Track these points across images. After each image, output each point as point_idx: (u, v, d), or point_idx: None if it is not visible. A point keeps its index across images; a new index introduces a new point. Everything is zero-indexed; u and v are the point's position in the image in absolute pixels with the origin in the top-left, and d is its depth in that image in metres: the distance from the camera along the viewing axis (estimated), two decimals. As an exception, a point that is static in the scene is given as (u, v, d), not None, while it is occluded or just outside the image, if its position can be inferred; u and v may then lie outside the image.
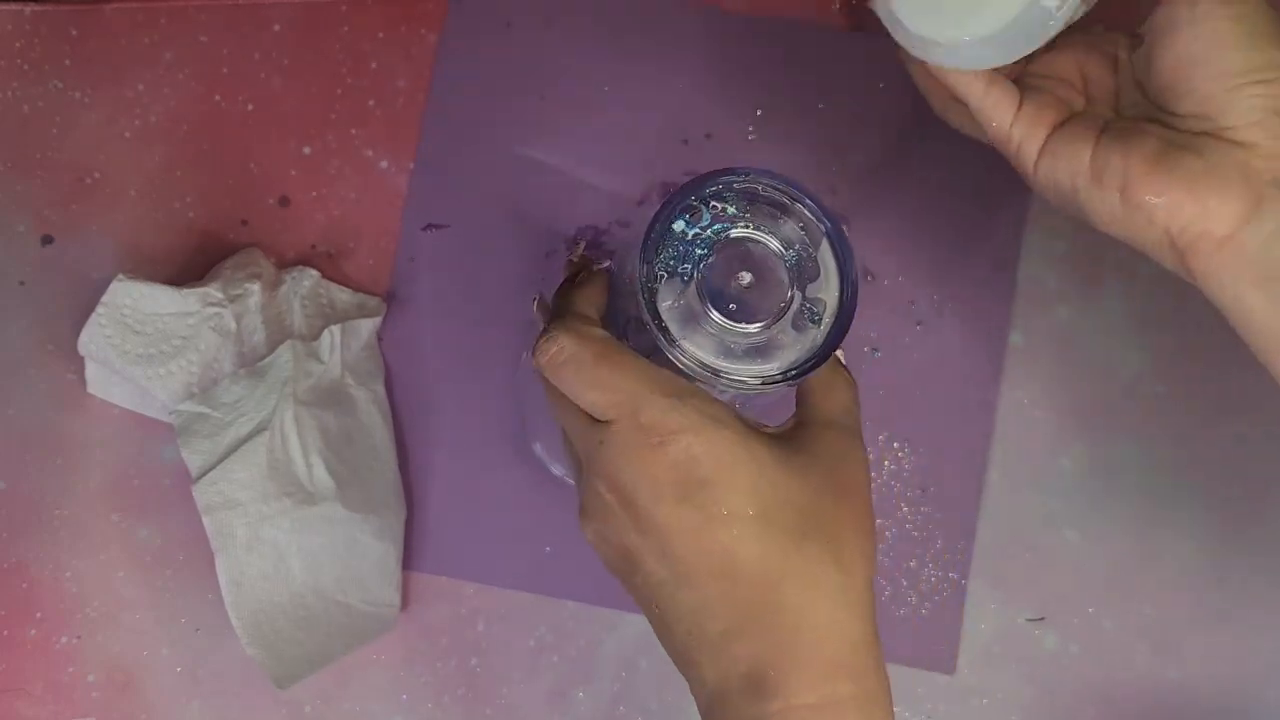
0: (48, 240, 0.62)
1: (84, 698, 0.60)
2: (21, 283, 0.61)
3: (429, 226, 0.62)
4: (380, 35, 0.62)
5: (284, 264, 0.61)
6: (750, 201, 0.45)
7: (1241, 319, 0.47)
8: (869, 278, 0.61)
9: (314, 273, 0.60)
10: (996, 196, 0.62)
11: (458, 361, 0.61)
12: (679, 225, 0.45)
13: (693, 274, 0.44)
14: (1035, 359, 0.61)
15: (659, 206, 0.45)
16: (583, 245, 0.55)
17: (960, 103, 0.51)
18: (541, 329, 0.44)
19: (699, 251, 0.45)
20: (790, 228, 0.46)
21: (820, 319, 0.45)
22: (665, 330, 0.44)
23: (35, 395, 0.61)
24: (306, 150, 0.62)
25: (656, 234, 0.44)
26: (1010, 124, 0.50)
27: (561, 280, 0.48)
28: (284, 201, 0.62)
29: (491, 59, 0.62)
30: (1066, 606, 0.60)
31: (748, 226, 0.45)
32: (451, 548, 0.61)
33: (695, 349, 0.44)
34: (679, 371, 0.44)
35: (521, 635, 0.60)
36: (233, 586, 0.56)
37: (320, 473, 0.57)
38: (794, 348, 0.45)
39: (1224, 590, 0.60)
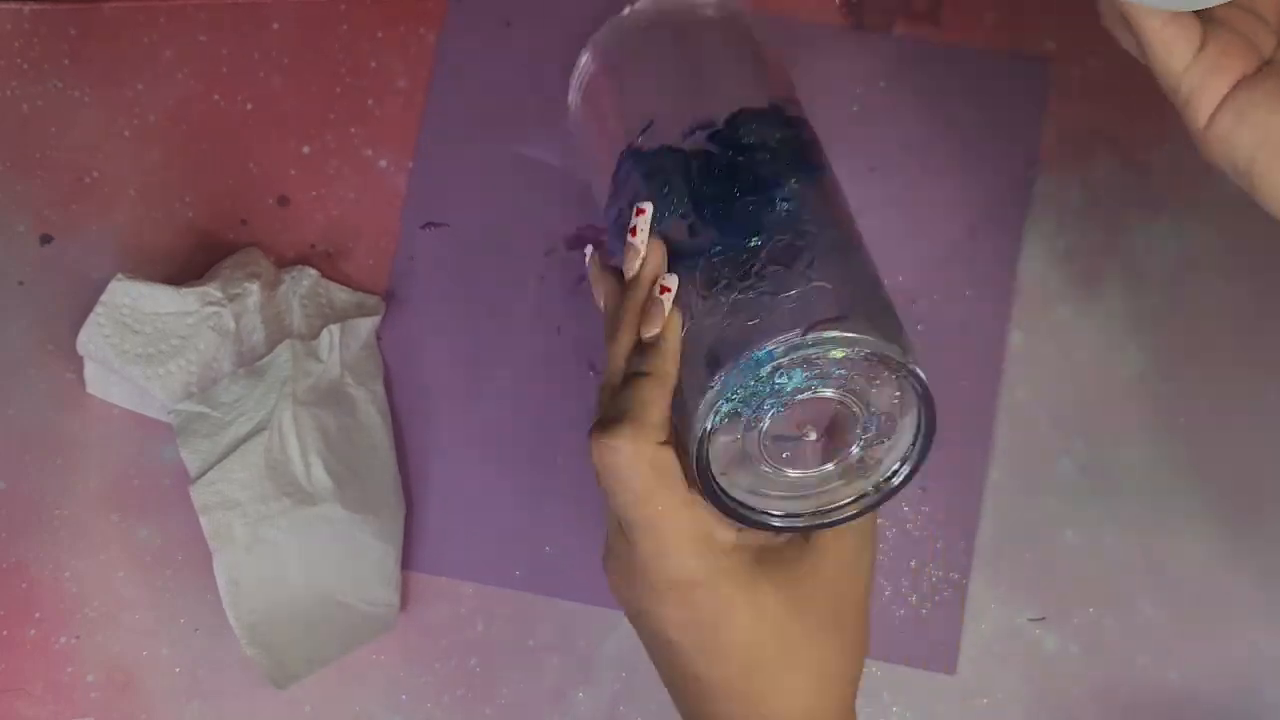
0: (47, 240, 0.62)
1: (83, 698, 0.60)
2: (21, 282, 0.61)
3: (428, 225, 0.62)
4: (379, 35, 0.62)
5: (283, 263, 0.61)
6: (841, 361, 0.42)
7: None
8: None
9: (313, 272, 0.60)
10: (997, 194, 0.62)
11: (457, 361, 0.61)
12: (765, 371, 0.42)
13: (758, 420, 0.43)
14: (1035, 359, 0.61)
15: (758, 345, 0.41)
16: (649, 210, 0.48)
17: (1132, 31, 0.43)
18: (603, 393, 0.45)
19: (772, 398, 0.42)
20: (884, 394, 0.43)
21: (871, 477, 0.45)
22: (713, 485, 0.43)
23: (35, 395, 0.61)
24: (306, 150, 0.62)
25: (734, 377, 0.42)
26: (1182, 70, 0.42)
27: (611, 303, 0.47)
28: (283, 201, 0.62)
29: (491, 58, 0.62)
30: (1067, 606, 0.60)
31: (841, 388, 0.43)
32: (450, 547, 0.61)
33: (733, 485, 0.44)
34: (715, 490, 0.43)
35: (521, 635, 0.60)
36: (231, 587, 0.56)
37: (319, 473, 0.57)
38: (835, 494, 0.45)
39: (1225, 590, 0.60)
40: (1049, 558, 0.60)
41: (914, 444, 0.43)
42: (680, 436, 0.44)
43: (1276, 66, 0.43)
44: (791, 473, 0.44)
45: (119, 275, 0.58)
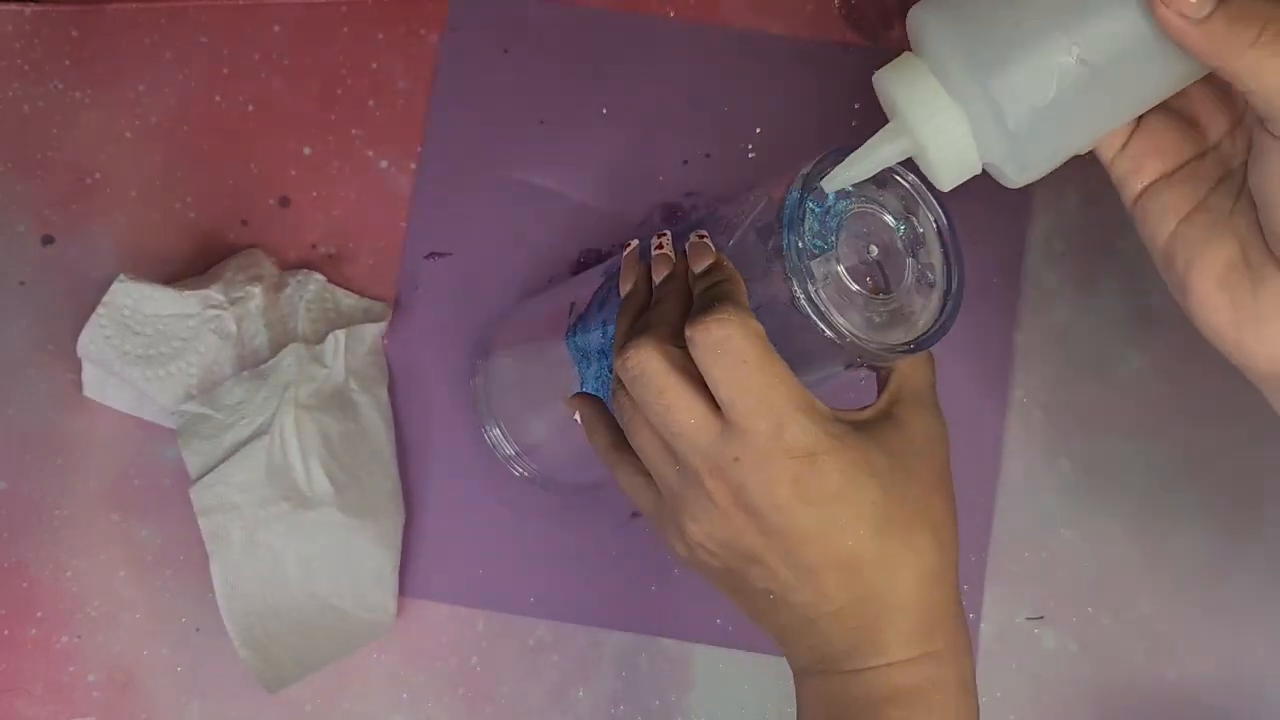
0: (48, 240, 0.62)
1: (84, 697, 0.60)
2: (22, 283, 0.61)
3: (431, 255, 0.62)
4: (380, 36, 0.62)
5: (285, 264, 0.61)
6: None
7: None
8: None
9: (319, 277, 0.60)
10: (1000, 198, 0.62)
11: (459, 384, 0.61)
12: (810, 204, 0.45)
13: (834, 249, 0.45)
14: (1035, 358, 0.61)
15: (786, 186, 0.45)
16: (669, 236, 0.51)
17: None
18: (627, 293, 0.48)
19: (830, 227, 0.45)
20: (891, 199, 0.47)
21: (935, 281, 0.47)
22: (820, 307, 0.44)
23: (35, 395, 0.61)
24: (307, 150, 0.62)
25: (796, 211, 0.45)
26: (1110, 160, 0.47)
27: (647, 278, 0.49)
28: (284, 202, 0.62)
29: (489, 86, 0.62)
30: (1066, 606, 0.60)
31: (863, 200, 0.46)
32: (450, 572, 0.61)
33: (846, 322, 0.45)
34: (823, 344, 0.45)
35: (521, 635, 0.60)
36: (227, 589, 0.56)
37: (319, 477, 0.57)
38: (921, 313, 0.47)
39: (1223, 589, 0.60)
40: (1048, 557, 0.60)
41: (937, 222, 0.47)
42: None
43: (1194, 166, 0.46)
44: (887, 296, 0.46)
45: (121, 276, 0.58)
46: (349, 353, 0.59)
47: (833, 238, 0.45)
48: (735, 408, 0.43)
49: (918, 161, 0.45)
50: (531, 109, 0.62)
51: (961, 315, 0.61)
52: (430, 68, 0.62)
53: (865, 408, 0.47)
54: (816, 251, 0.45)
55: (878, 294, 0.46)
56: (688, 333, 0.43)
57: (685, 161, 0.62)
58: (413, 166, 0.62)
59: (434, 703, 0.60)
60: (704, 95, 0.62)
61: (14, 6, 0.62)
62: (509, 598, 0.60)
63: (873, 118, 0.61)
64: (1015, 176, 0.45)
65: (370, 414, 0.59)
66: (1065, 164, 0.62)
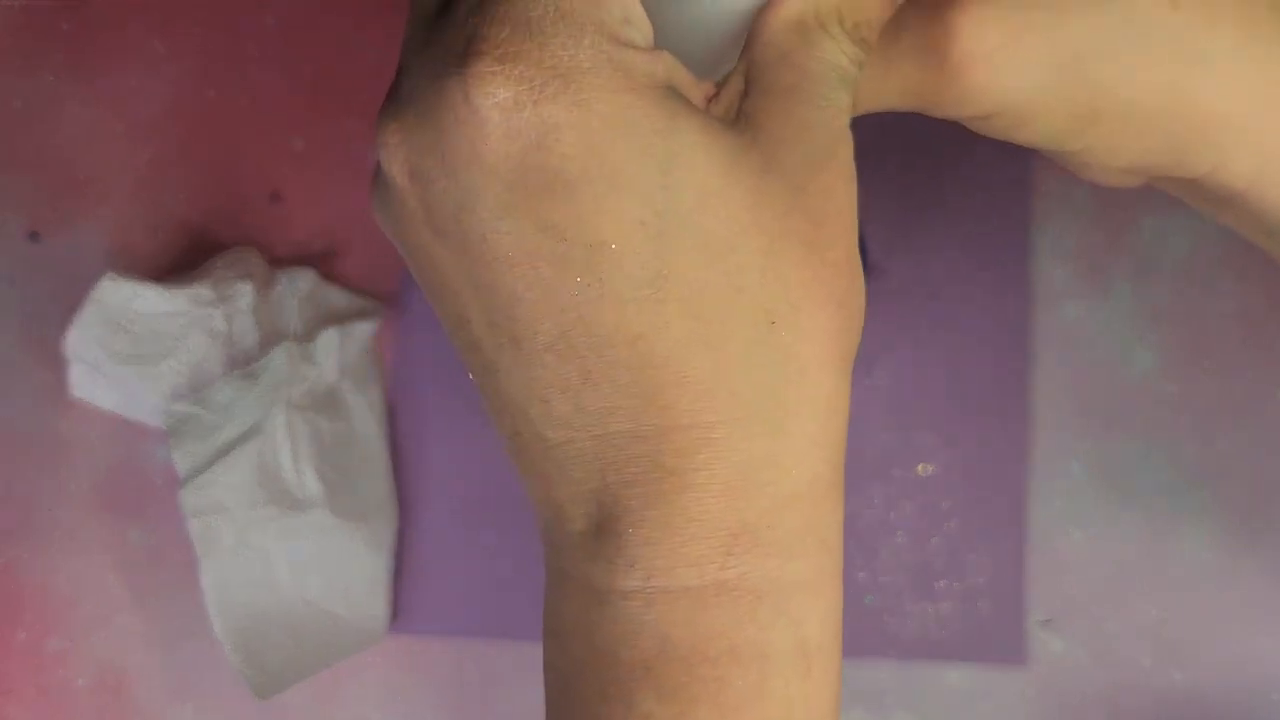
0: (35, 237, 0.62)
1: (74, 701, 0.60)
2: (9, 281, 0.61)
3: None
4: (374, 28, 0.62)
5: (276, 261, 0.61)
6: None
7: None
8: (882, 275, 0.61)
9: (311, 274, 0.60)
10: (1006, 192, 0.62)
11: (455, 382, 0.61)
12: None
13: None
14: (1043, 357, 0.61)
15: None
16: None
17: None
18: None
19: None
20: None
21: None
22: None
23: (23, 395, 0.61)
24: (299, 145, 0.62)
25: None
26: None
27: None
28: (275, 197, 0.62)
29: None
30: (1071, 608, 0.60)
31: None
32: (446, 598, 0.60)
33: None
34: None
35: (518, 640, 0.60)
36: (216, 592, 0.56)
37: (310, 479, 0.56)
38: None
39: (1231, 592, 0.60)
40: (1055, 558, 0.60)
41: None
42: None
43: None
44: None
45: (109, 274, 0.58)
46: (341, 351, 0.58)
47: None
48: None
49: None
50: None
51: (974, 319, 0.61)
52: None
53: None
54: None
55: None
56: None
57: None
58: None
59: (428, 711, 0.60)
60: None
61: (3, 0, 0.62)
62: (506, 617, 0.60)
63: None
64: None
65: (363, 414, 0.59)
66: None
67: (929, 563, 0.60)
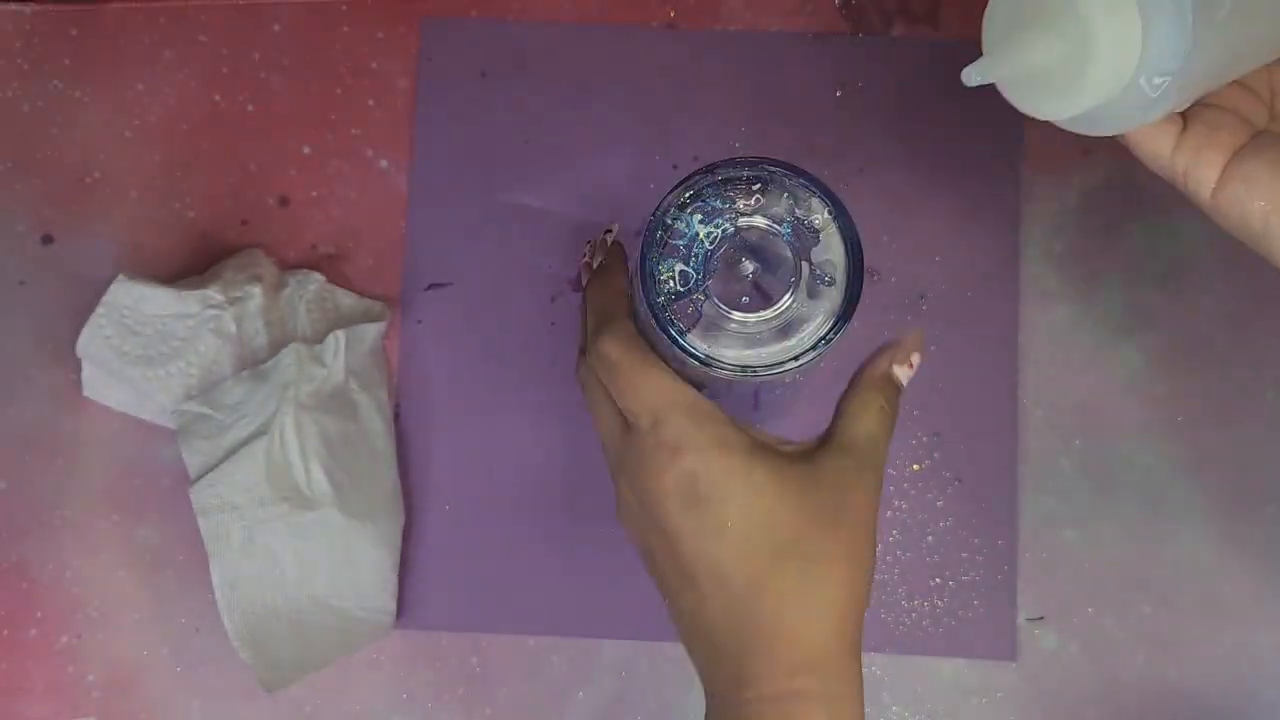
0: (48, 240, 0.62)
1: (84, 698, 0.60)
2: (21, 282, 0.61)
3: (431, 286, 0.62)
4: (380, 35, 0.62)
5: (284, 264, 0.61)
6: (729, 189, 0.46)
7: None
8: (874, 277, 0.61)
9: (319, 276, 0.60)
10: (998, 195, 0.62)
11: (461, 411, 0.62)
12: (681, 225, 0.46)
13: (701, 282, 0.45)
14: (1033, 358, 0.61)
15: (647, 223, 0.46)
16: (617, 229, 0.53)
17: None
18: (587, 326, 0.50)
19: (700, 253, 0.46)
20: (775, 200, 0.46)
21: (834, 279, 0.46)
22: (674, 333, 0.45)
23: (36, 395, 0.61)
24: (306, 150, 0.62)
25: (649, 265, 0.46)
26: (1170, 154, 0.45)
27: (593, 268, 0.52)
28: (284, 201, 0.62)
29: (469, 112, 0.62)
30: (1066, 606, 0.60)
31: (735, 216, 0.46)
32: (446, 599, 0.61)
33: (721, 348, 0.45)
34: (698, 365, 0.45)
35: (521, 635, 0.60)
36: (226, 589, 0.56)
37: (319, 478, 0.57)
38: (817, 316, 0.45)
39: (1224, 589, 0.60)
40: (1048, 557, 0.60)
41: (836, 219, 0.46)
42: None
43: (1270, 134, 0.44)
44: (765, 314, 0.45)
45: (121, 276, 0.58)
46: (349, 353, 0.58)
47: (699, 266, 0.45)
48: (625, 409, 0.47)
49: (1032, 83, 0.41)
50: (514, 129, 0.62)
51: (963, 320, 0.61)
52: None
53: (801, 442, 0.48)
54: (682, 291, 0.45)
55: (757, 311, 0.45)
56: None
57: (675, 166, 0.62)
58: (410, 170, 0.62)
59: (434, 702, 0.60)
60: (686, 99, 0.62)
61: (14, 6, 0.62)
62: (510, 612, 0.60)
63: (861, 108, 0.62)
64: (1146, 107, 0.40)
65: (370, 414, 0.59)
66: (1066, 163, 0.62)
67: (923, 560, 0.61)
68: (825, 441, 0.47)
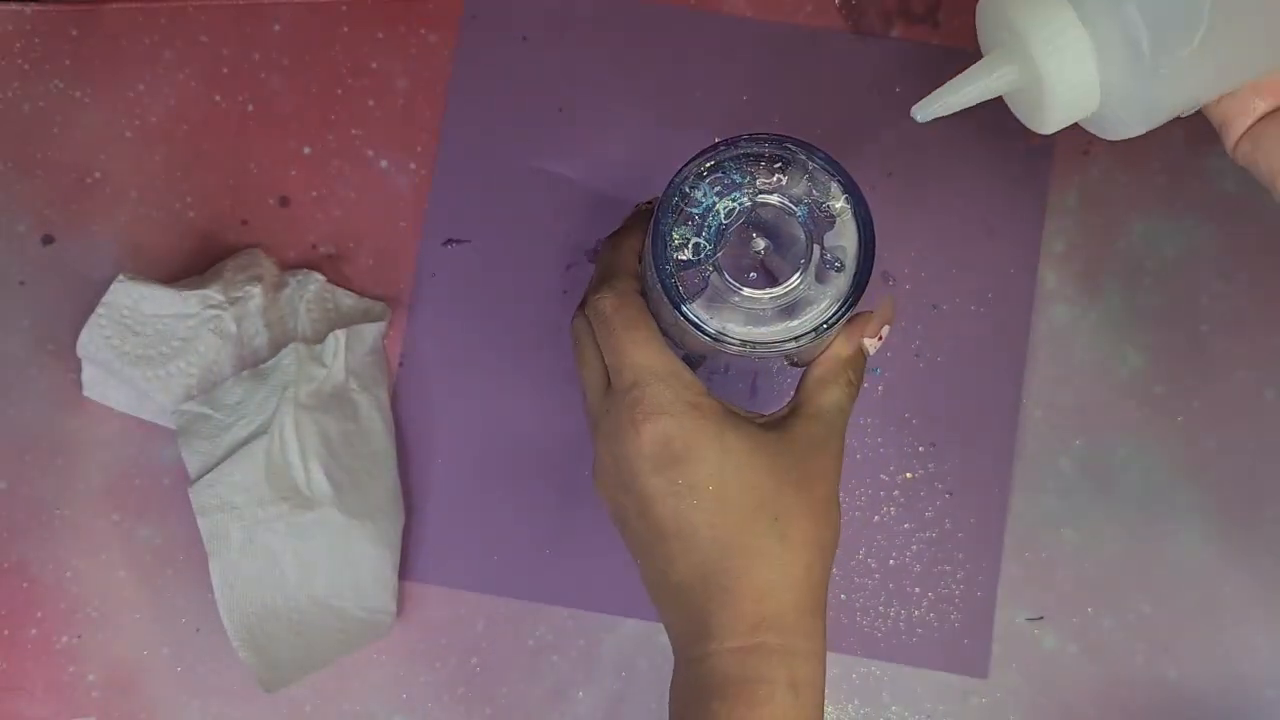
0: (48, 240, 0.62)
1: (84, 697, 0.60)
2: (22, 283, 0.62)
3: (449, 241, 0.62)
4: (380, 35, 0.62)
5: (285, 264, 0.61)
6: (750, 165, 0.46)
7: None
8: (890, 282, 0.61)
9: (319, 276, 0.60)
10: (1012, 195, 0.62)
11: (467, 369, 0.62)
12: (699, 194, 0.46)
13: (711, 254, 0.46)
14: (1034, 358, 0.61)
15: (664, 190, 0.46)
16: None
17: None
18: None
19: (714, 225, 0.46)
20: (794, 181, 0.46)
21: (843, 265, 0.46)
22: (677, 300, 0.46)
23: (36, 395, 0.61)
24: (306, 150, 0.62)
25: (664, 229, 0.46)
26: (1214, 103, 0.46)
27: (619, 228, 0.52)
28: (284, 201, 0.62)
29: (508, 73, 0.62)
30: (1065, 606, 0.60)
31: (753, 192, 0.46)
32: (450, 557, 0.61)
33: (723, 321, 0.46)
34: (699, 336, 0.46)
35: (521, 635, 0.60)
36: (226, 589, 0.56)
37: (318, 477, 0.57)
38: (823, 300, 0.46)
39: (1223, 590, 0.60)
40: (1048, 557, 0.61)
41: (852, 206, 0.46)
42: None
43: None
44: (773, 291, 0.46)
45: (121, 276, 0.58)
46: (349, 353, 0.58)
47: (712, 238, 0.46)
48: (609, 366, 0.48)
49: (1013, 99, 0.42)
50: (549, 96, 0.62)
51: (976, 318, 0.61)
52: (432, 66, 0.62)
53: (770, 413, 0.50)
54: (692, 259, 0.46)
55: (765, 289, 0.46)
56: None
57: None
58: (412, 166, 0.62)
59: (434, 703, 0.60)
60: (719, 83, 0.62)
61: (14, 6, 0.62)
62: (513, 587, 0.61)
63: (876, 110, 0.62)
64: (1132, 123, 0.42)
65: (370, 414, 0.59)
66: (1066, 163, 0.62)
67: (920, 558, 0.61)
68: (794, 410, 0.49)
